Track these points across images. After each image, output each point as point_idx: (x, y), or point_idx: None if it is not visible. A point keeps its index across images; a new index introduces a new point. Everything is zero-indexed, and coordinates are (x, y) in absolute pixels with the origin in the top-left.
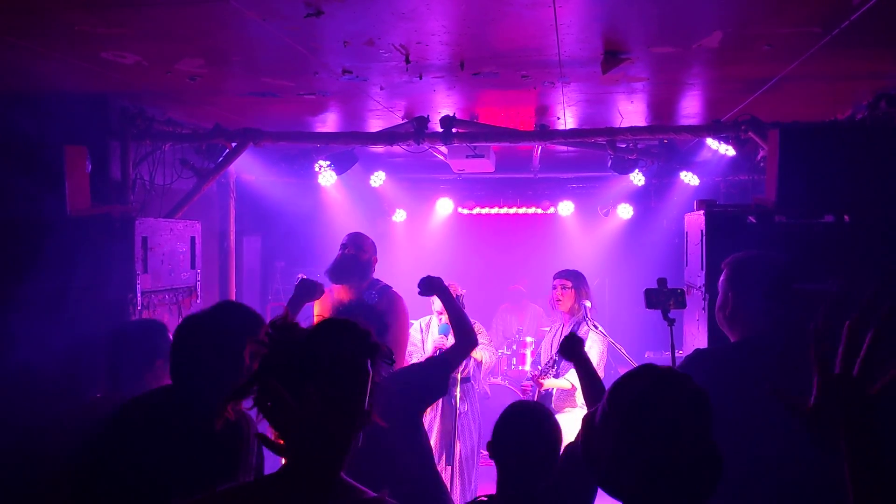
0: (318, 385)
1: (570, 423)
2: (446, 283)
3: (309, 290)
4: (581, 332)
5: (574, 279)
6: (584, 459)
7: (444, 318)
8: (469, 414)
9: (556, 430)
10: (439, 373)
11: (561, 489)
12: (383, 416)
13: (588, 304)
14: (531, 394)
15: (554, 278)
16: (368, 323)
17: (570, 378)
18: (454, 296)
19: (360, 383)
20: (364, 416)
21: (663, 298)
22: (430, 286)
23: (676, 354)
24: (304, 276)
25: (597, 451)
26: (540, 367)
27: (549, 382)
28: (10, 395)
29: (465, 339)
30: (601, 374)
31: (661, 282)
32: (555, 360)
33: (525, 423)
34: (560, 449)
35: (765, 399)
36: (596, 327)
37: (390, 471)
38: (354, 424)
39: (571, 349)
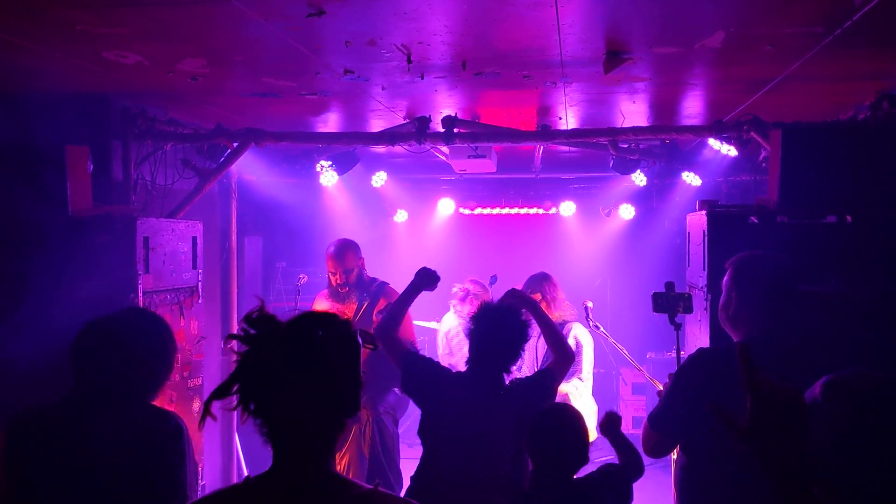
0: (303, 378)
1: None
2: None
3: (429, 279)
4: (566, 333)
5: (538, 287)
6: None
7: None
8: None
9: (585, 433)
10: (551, 386)
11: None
12: (499, 424)
13: (590, 304)
14: None
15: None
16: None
17: (566, 388)
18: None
19: (344, 374)
20: (351, 407)
21: (671, 302)
22: (516, 301)
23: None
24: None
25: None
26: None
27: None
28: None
29: (564, 353)
30: (591, 372)
31: (669, 286)
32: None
33: (560, 428)
34: (588, 449)
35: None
36: (597, 328)
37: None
38: (341, 416)
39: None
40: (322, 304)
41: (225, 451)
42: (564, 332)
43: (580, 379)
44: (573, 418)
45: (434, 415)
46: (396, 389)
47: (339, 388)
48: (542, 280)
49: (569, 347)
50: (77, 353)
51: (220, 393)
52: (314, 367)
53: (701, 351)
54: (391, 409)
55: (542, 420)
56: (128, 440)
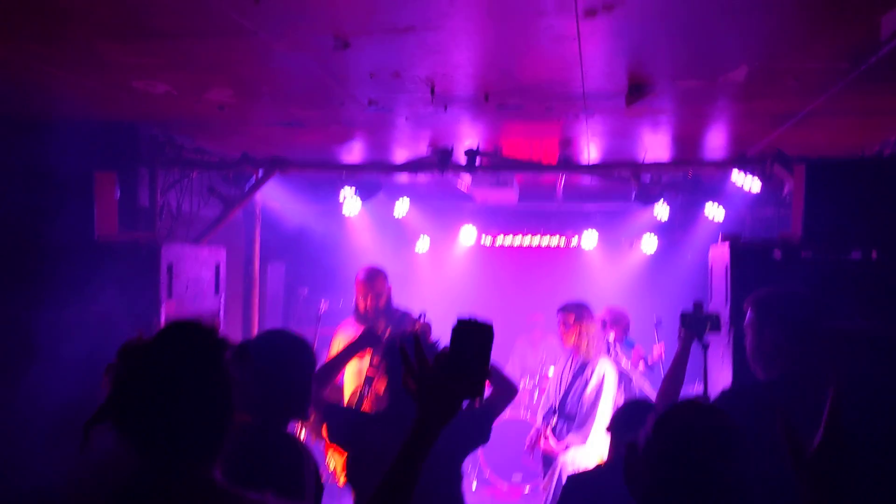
0: (175, 391)
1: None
2: (413, 321)
3: (373, 340)
4: (589, 370)
5: (577, 312)
6: (626, 480)
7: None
8: None
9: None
10: (482, 419)
11: None
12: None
13: (611, 337)
14: (534, 449)
15: (557, 312)
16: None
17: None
18: (419, 328)
19: (216, 381)
20: (228, 413)
21: (699, 323)
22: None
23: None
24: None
25: (638, 474)
26: (545, 417)
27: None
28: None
29: (504, 386)
30: (613, 404)
31: (697, 306)
32: (554, 409)
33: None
34: None
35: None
36: (619, 362)
37: None
38: (222, 423)
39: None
40: (347, 332)
41: None
42: (591, 370)
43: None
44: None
45: (358, 458)
46: None
47: (204, 399)
48: (585, 308)
49: (512, 383)
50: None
51: (97, 419)
52: (172, 377)
53: (730, 392)
54: None
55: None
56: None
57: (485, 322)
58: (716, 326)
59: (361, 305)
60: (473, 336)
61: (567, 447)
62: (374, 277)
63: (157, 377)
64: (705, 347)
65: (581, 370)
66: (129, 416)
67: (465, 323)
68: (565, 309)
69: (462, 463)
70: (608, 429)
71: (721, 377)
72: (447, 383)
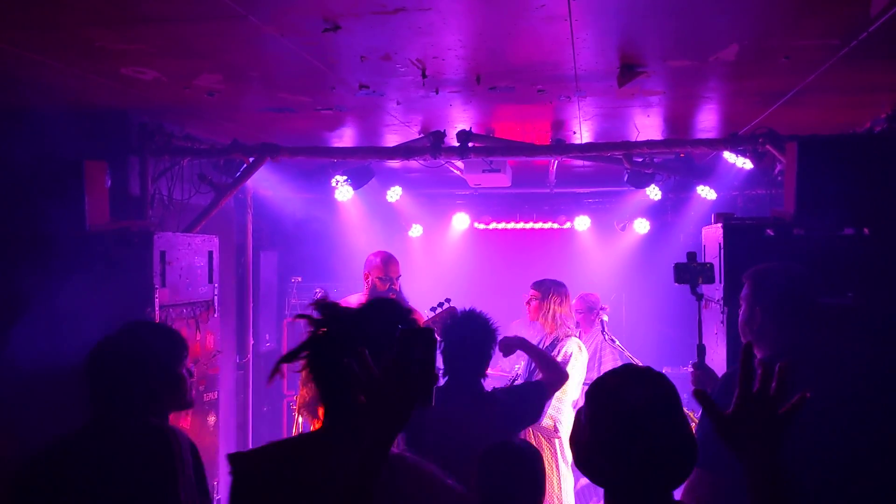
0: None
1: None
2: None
3: None
4: (559, 348)
5: (543, 290)
6: (570, 447)
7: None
8: None
9: (542, 481)
10: (538, 399)
11: None
12: (482, 432)
13: (605, 318)
14: None
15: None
16: None
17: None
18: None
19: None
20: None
21: (692, 273)
22: (509, 346)
23: (688, 369)
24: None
25: (577, 441)
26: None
27: None
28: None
29: (557, 374)
30: (578, 388)
31: (691, 256)
32: (512, 380)
33: (512, 472)
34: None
35: (811, 410)
36: (613, 341)
37: None
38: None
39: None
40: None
41: None
42: (560, 348)
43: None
44: (531, 461)
45: (413, 429)
46: None
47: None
48: (554, 286)
49: (563, 369)
50: (89, 372)
51: (290, 357)
52: (374, 339)
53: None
54: None
55: (492, 459)
56: (136, 464)
57: (426, 328)
58: (709, 278)
59: (381, 287)
60: (417, 343)
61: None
62: (393, 261)
63: (367, 341)
64: (699, 297)
65: (552, 347)
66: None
67: (408, 331)
68: (534, 286)
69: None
70: None
71: (716, 355)
72: (395, 392)
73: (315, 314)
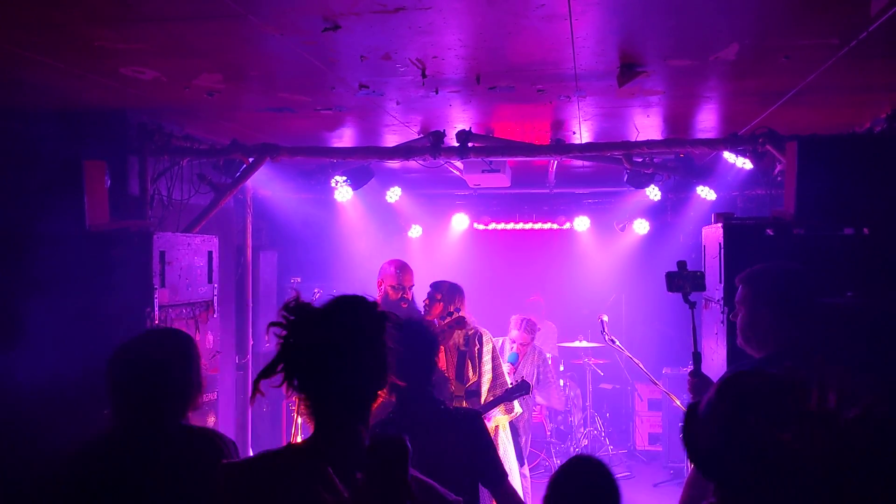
0: (337, 354)
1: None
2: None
3: None
4: (481, 347)
5: (437, 290)
6: (685, 445)
7: (516, 346)
8: None
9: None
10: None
11: None
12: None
13: (605, 318)
14: None
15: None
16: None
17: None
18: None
19: (373, 349)
20: (381, 378)
21: (683, 281)
22: None
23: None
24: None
25: (698, 438)
26: None
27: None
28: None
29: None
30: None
31: (681, 264)
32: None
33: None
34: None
35: None
36: (613, 342)
37: None
38: (373, 388)
39: None
40: None
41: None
42: (474, 336)
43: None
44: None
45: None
46: None
47: (370, 362)
48: (456, 291)
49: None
50: (110, 381)
51: (266, 373)
52: (350, 343)
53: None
54: None
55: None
56: (176, 464)
57: (396, 439)
58: (699, 286)
59: (393, 296)
60: (388, 457)
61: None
62: (407, 270)
63: (329, 343)
64: (692, 306)
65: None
66: (303, 376)
67: (378, 443)
68: (438, 293)
69: None
70: None
71: (716, 356)
72: None
73: (290, 317)
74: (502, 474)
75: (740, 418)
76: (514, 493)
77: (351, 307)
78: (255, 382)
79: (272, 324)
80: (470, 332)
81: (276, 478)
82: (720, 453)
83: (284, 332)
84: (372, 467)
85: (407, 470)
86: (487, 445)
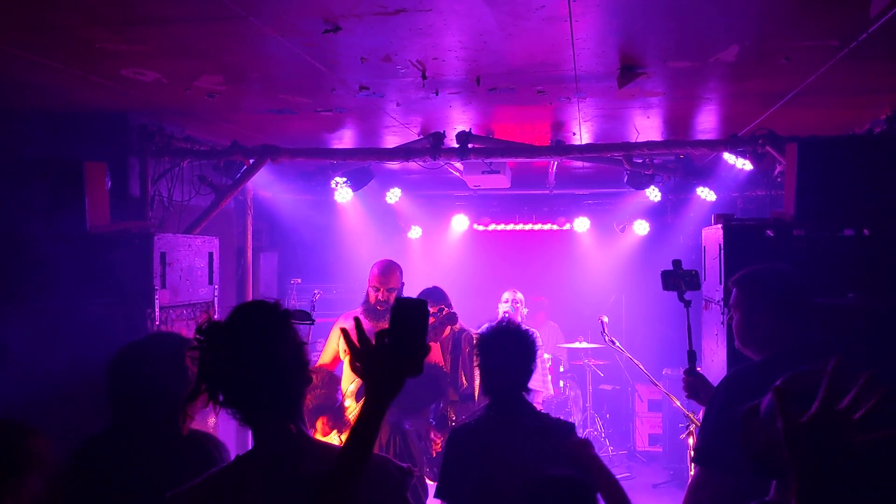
0: (250, 360)
1: None
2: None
3: None
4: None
5: (441, 299)
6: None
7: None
8: None
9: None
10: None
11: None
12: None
13: (605, 318)
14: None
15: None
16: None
17: None
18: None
19: (286, 348)
20: (302, 375)
21: (678, 280)
22: None
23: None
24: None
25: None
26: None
27: None
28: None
29: None
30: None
31: (676, 263)
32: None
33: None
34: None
35: None
36: (613, 342)
37: None
38: (295, 386)
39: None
40: (348, 323)
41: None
42: (464, 338)
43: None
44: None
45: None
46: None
47: (282, 361)
48: (439, 295)
49: None
50: (111, 381)
51: (191, 396)
52: (256, 348)
53: (739, 372)
54: (424, 425)
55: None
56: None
57: (419, 300)
58: (694, 284)
59: (372, 297)
60: (410, 314)
61: None
62: (390, 271)
63: (240, 352)
64: (687, 304)
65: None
66: (225, 390)
67: (402, 302)
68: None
69: None
70: None
71: (717, 357)
72: (389, 360)
73: (196, 342)
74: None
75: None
76: None
77: (249, 313)
78: (182, 406)
79: (188, 348)
80: (455, 329)
81: (223, 495)
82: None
83: (197, 355)
84: (394, 323)
85: (426, 328)
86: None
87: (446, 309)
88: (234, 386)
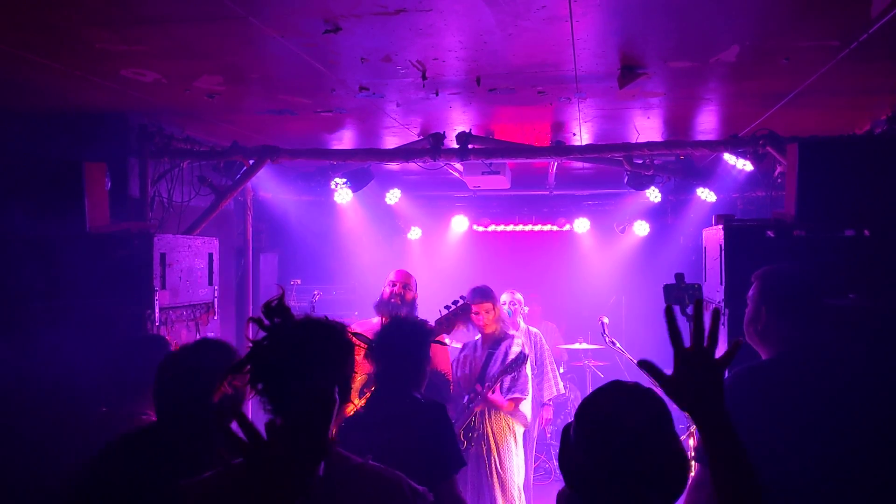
0: (305, 371)
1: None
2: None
3: None
4: (501, 351)
5: (493, 300)
6: (560, 467)
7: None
8: None
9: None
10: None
11: None
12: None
13: (605, 319)
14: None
15: (472, 304)
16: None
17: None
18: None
19: (339, 369)
20: (345, 395)
21: (682, 293)
22: None
23: None
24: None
25: (570, 462)
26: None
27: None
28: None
29: None
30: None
31: (679, 277)
32: (470, 399)
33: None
34: None
35: (821, 410)
36: (613, 343)
37: None
38: (339, 401)
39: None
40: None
41: None
42: (508, 345)
43: (522, 396)
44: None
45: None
46: None
47: (335, 381)
48: (491, 294)
49: None
50: (159, 384)
51: (235, 369)
52: (315, 362)
53: (742, 372)
54: None
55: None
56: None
57: (324, 388)
58: (697, 297)
59: (387, 293)
60: (310, 403)
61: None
62: (408, 276)
63: (298, 359)
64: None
65: (495, 346)
66: (268, 383)
67: (305, 390)
68: (480, 297)
69: None
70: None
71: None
72: (279, 457)
73: (265, 321)
74: (445, 471)
75: (600, 444)
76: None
77: (325, 335)
78: (222, 377)
79: (251, 319)
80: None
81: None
82: (588, 477)
83: (263, 333)
84: (292, 414)
85: (329, 420)
86: (438, 436)
87: (461, 301)
88: (279, 391)
